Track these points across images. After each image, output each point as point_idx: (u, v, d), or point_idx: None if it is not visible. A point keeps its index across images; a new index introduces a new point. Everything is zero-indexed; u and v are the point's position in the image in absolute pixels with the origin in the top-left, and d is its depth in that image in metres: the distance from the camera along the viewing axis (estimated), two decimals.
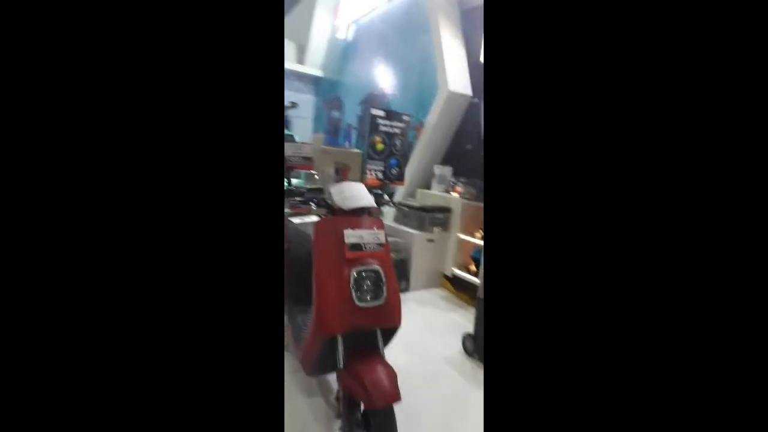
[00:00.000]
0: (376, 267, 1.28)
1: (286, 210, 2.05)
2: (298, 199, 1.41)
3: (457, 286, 3.09)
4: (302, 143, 2.06)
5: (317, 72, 6.84)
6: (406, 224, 3.27)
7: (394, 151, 3.63)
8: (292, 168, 1.74)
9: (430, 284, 3.20)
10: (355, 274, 1.24)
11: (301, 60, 6.81)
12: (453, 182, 3.54)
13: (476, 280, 2.72)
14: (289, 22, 7.55)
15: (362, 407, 1.22)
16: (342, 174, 1.53)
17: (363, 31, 5.73)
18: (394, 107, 4.60)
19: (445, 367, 1.97)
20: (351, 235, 1.28)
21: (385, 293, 1.26)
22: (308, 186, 1.40)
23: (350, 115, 5.97)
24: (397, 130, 3.62)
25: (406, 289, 3.05)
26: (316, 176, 2.30)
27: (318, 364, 1.37)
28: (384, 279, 1.28)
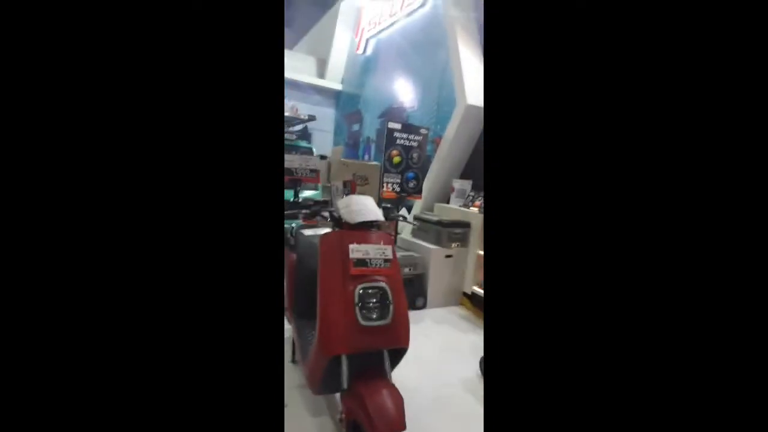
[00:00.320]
0: (383, 284, 1.22)
1: (299, 222, 2.04)
2: (305, 211, 1.38)
3: (477, 304, 2.97)
4: (311, 156, 2.06)
5: (337, 86, 6.96)
6: (423, 239, 3.19)
7: (411, 164, 3.60)
8: (299, 180, 1.72)
9: (448, 302, 3.09)
10: (360, 290, 1.19)
11: (321, 74, 6.96)
12: (472, 196, 3.45)
13: None
14: (311, 37, 7.78)
15: None
16: (350, 187, 1.49)
17: (382, 46, 5.80)
18: (413, 121, 4.59)
19: (461, 391, 1.86)
20: (356, 250, 1.23)
21: (391, 312, 1.20)
22: (315, 198, 1.36)
23: (370, 128, 6.01)
24: (414, 143, 3.59)
25: (423, 307, 2.96)
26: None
27: (323, 383, 1.31)
28: (391, 297, 1.21)
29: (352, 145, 6.48)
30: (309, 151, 3.66)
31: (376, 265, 1.26)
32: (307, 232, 1.97)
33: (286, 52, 6.75)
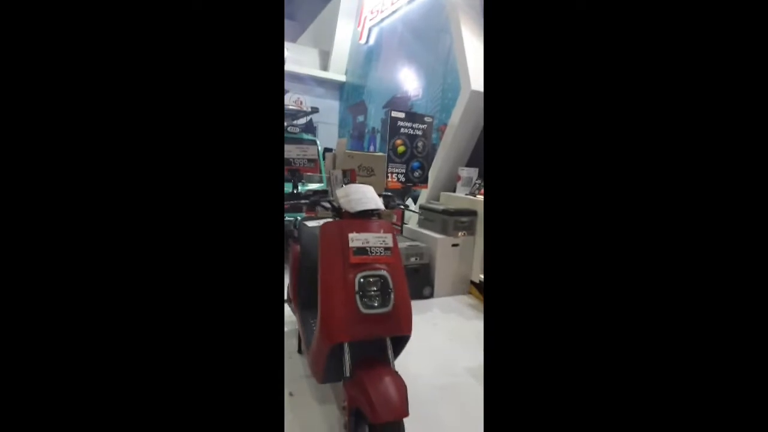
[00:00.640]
0: (383, 272, 1.21)
1: (303, 214, 2.04)
2: (304, 201, 1.38)
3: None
4: (309, 145, 2.04)
5: (341, 77, 6.91)
6: (429, 228, 3.17)
7: (416, 154, 3.56)
8: (297, 170, 1.71)
9: (456, 291, 3.08)
10: (360, 279, 1.18)
11: (325, 66, 6.91)
12: (479, 184, 3.40)
13: None
14: (314, 29, 7.72)
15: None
16: (350, 177, 1.48)
17: (385, 34, 5.72)
18: (418, 109, 4.54)
19: (467, 379, 1.86)
20: (356, 239, 1.22)
21: (392, 300, 1.19)
22: (315, 188, 1.35)
23: (375, 119, 5.97)
24: (418, 132, 3.55)
25: (431, 296, 2.95)
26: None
27: (326, 371, 1.31)
28: (392, 285, 1.20)
29: (357, 137, 6.46)
30: (313, 143, 3.65)
31: (376, 253, 1.24)
32: (311, 223, 1.97)
33: (290, 45, 6.72)
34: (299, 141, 3.11)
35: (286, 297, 2.10)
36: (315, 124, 6.67)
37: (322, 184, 3.33)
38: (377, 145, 5.87)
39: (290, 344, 2.05)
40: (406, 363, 1.77)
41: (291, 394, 1.62)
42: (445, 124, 3.89)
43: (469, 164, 3.74)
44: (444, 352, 2.13)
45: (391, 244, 1.28)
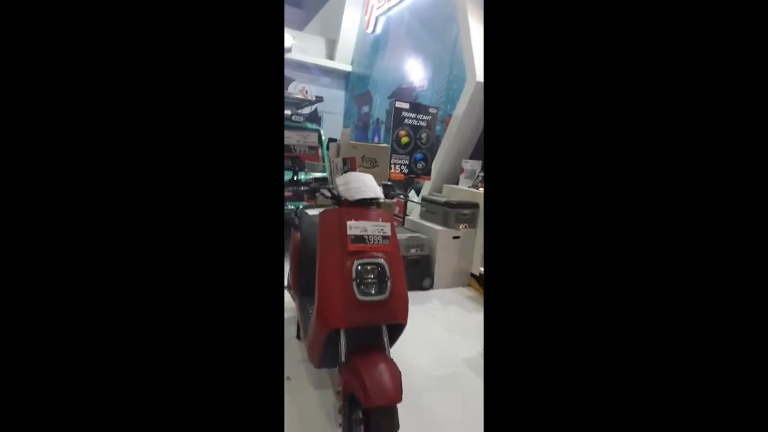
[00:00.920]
0: (380, 260, 1.22)
1: (304, 202, 2.05)
2: (303, 188, 1.38)
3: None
4: (310, 132, 2.03)
5: (347, 67, 6.86)
6: (431, 220, 3.17)
7: (420, 145, 3.54)
8: (297, 157, 1.71)
9: (456, 283, 3.09)
10: (357, 266, 1.19)
11: (331, 55, 6.86)
12: (481, 177, 3.38)
13: None
14: (321, 17, 7.64)
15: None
16: (351, 165, 1.48)
17: (392, 24, 5.65)
18: (423, 100, 4.50)
19: (464, 369, 1.87)
20: (354, 227, 1.23)
21: (389, 288, 1.20)
22: (314, 176, 1.35)
23: (380, 110, 5.93)
24: (423, 123, 3.52)
25: (430, 288, 2.96)
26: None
27: (322, 357, 1.33)
28: (389, 273, 1.21)
29: (362, 128, 6.43)
30: (317, 133, 3.63)
31: (374, 241, 1.25)
32: (312, 211, 1.98)
33: (296, 33, 6.66)
34: (301, 129, 3.11)
35: (286, 284, 2.12)
36: (320, 114, 6.64)
37: (325, 174, 3.33)
38: (381, 136, 5.84)
39: (289, 330, 2.08)
40: (403, 352, 1.78)
41: (288, 378, 1.64)
42: (450, 116, 3.85)
43: (473, 156, 3.72)
44: (442, 343, 2.15)
45: (389, 232, 1.28)
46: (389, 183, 1.53)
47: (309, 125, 3.41)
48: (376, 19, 5.91)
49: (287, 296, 2.19)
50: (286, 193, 2.52)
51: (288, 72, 6.41)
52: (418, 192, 4.06)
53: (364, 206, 1.32)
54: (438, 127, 3.82)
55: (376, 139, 5.95)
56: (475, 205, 3.04)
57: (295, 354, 1.84)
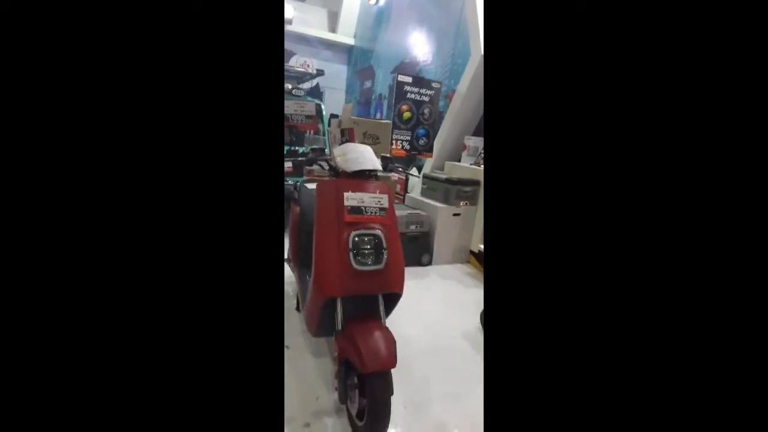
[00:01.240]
0: (377, 231, 1.22)
1: (304, 177, 2.04)
2: (300, 159, 1.37)
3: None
4: (305, 101, 2.00)
5: (350, 40, 6.68)
6: (432, 197, 3.16)
7: (422, 121, 3.48)
8: (294, 127, 1.69)
9: (455, 259, 3.11)
10: (354, 237, 1.20)
11: (333, 28, 6.66)
12: (483, 154, 3.35)
13: None
14: None
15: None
16: (349, 136, 1.46)
17: None
18: (426, 75, 4.40)
19: (459, 341, 1.92)
20: (351, 198, 1.23)
21: (385, 258, 1.21)
22: (312, 147, 1.34)
23: (382, 85, 5.82)
24: (425, 98, 3.45)
25: (429, 264, 2.99)
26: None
27: (319, 325, 1.36)
28: (385, 244, 1.22)
29: (364, 103, 6.32)
30: (318, 108, 3.57)
31: (371, 213, 1.25)
32: (311, 185, 1.97)
33: (297, 4, 6.46)
34: (298, 98, 3.05)
35: (285, 257, 2.15)
36: (321, 90, 6.52)
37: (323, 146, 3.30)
38: (384, 112, 5.75)
39: (289, 303, 2.11)
40: (399, 323, 1.82)
41: (288, 347, 1.69)
42: (454, 91, 3.77)
43: (476, 133, 3.67)
44: (439, 316, 2.18)
45: (386, 204, 1.28)
46: (389, 155, 1.51)
47: (309, 99, 3.36)
48: None
49: (287, 269, 2.22)
50: (286, 168, 2.51)
51: (288, 45, 6.25)
52: (419, 169, 4.03)
53: (361, 178, 1.31)
54: (441, 103, 3.75)
55: (378, 115, 5.86)
56: (477, 183, 3.03)
57: (294, 325, 1.88)
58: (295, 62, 5.62)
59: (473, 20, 3.40)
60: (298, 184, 2.11)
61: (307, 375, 1.53)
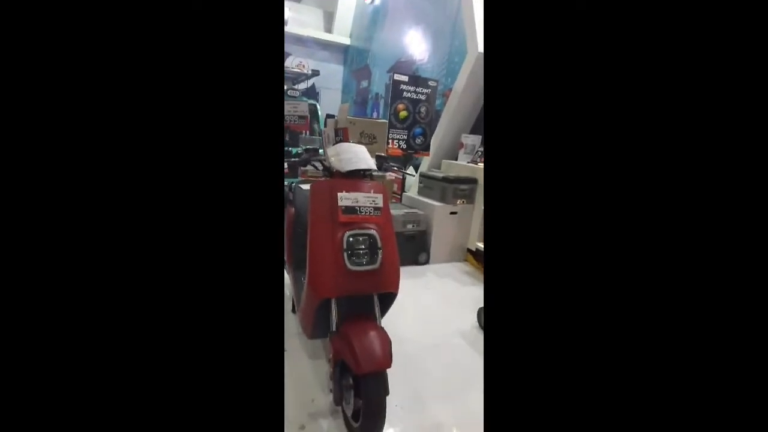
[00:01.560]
0: (372, 231, 1.21)
1: (299, 178, 2.04)
2: (294, 160, 1.36)
3: (481, 260, 2.97)
4: (300, 102, 1.99)
5: (345, 40, 6.66)
6: (429, 196, 3.16)
7: (419, 119, 3.47)
8: (288, 128, 1.68)
9: (453, 258, 3.10)
10: (349, 237, 1.19)
11: (329, 28, 6.65)
12: (481, 152, 3.34)
13: None
14: None
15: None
16: (343, 135, 1.45)
17: None
18: (423, 74, 4.39)
19: (456, 339, 1.91)
20: (345, 198, 1.22)
21: (380, 258, 1.20)
22: (306, 147, 1.33)
23: (379, 84, 5.81)
24: (422, 97, 3.44)
25: (426, 263, 2.98)
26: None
27: (314, 327, 1.35)
28: (380, 244, 1.21)
29: (361, 103, 6.31)
30: (314, 108, 3.56)
31: (365, 213, 1.24)
32: (305, 186, 1.96)
33: (292, 5, 6.44)
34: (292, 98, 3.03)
35: None
36: (317, 90, 6.50)
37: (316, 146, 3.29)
38: (381, 112, 5.74)
39: (285, 304, 2.10)
40: (396, 322, 1.81)
41: (284, 350, 1.68)
42: (450, 89, 3.76)
43: (473, 131, 3.66)
44: (435, 315, 2.18)
45: (381, 204, 1.27)
46: (383, 154, 1.50)
47: (305, 100, 3.35)
48: None
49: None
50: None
51: (285, 46, 6.23)
52: (416, 168, 4.02)
53: (356, 177, 1.30)
54: (438, 101, 3.74)
55: (375, 115, 5.85)
56: (474, 181, 3.02)
57: (290, 327, 1.87)
58: (290, 63, 5.60)
59: (469, 18, 3.39)
60: (293, 185, 2.10)
61: (302, 377, 1.52)
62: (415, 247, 2.93)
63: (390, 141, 3.34)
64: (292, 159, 1.39)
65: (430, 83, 3.49)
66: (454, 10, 4.06)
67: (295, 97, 3.23)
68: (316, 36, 6.49)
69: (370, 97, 6.06)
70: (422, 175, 3.34)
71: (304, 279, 1.65)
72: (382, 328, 1.20)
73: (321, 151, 1.49)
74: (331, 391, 1.24)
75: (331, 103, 6.51)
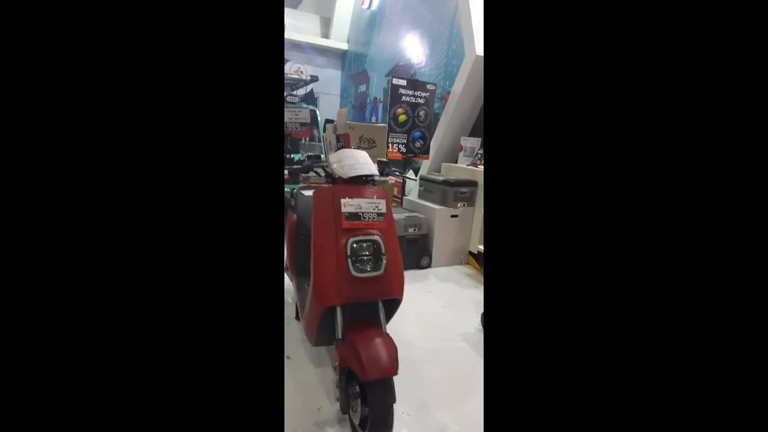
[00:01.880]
0: (375, 237, 1.21)
1: (301, 184, 2.04)
2: (296, 167, 1.36)
3: (483, 262, 2.97)
4: (300, 108, 1.99)
5: (343, 45, 6.69)
6: (429, 199, 3.15)
7: (418, 123, 3.48)
8: (289, 135, 1.68)
9: (454, 261, 3.10)
10: (353, 244, 1.18)
11: (326, 34, 6.68)
12: (480, 154, 3.34)
13: None
14: None
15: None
16: (344, 141, 1.45)
17: None
18: (421, 78, 4.41)
19: (460, 344, 1.90)
20: (348, 204, 1.22)
21: (384, 264, 1.20)
22: (308, 154, 1.33)
23: (377, 88, 5.82)
24: (421, 100, 3.45)
25: (428, 266, 2.97)
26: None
27: (319, 334, 1.35)
28: (384, 250, 1.21)
29: (360, 107, 6.32)
30: (313, 114, 3.57)
31: (369, 218, 1.24)
32: (307, 192, 1.96)
33: (290, 12, 6.47)
34: (293, 105, 3.04)
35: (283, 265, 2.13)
36: (316, 95, 6.52)
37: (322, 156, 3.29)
38: (379, 116, 5.75)
39: (288, 311, 2.10)
40: (399, 327, 1.81)
41: (288, 357, 1.67)
42: (449, 93, 3.77)
43: (472, 134, 3.67)
44: (438, 318, 2.17)
45: (384, 209, 1.27)
46: (385, 160, 1.50)
47: (304, 106, 3.35)
48: None
49: (285, 278, 2.20)
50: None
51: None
52: (416, 171, 4.02)
53: (358, 183, 1.30)
54: (437, 105, 3.75)
55: (374, 119, 5.86)
56: (474, 183, 3.02)
57: (294, 334, 1.87)
58: (288, 69, 5.63)
59: (467, 21, 3.40)
60: (295, 191, 2.10)
61: (308, 385, 1.51)
62: (417, 251, 2.93)
63: (389, 145, 3.34)
64: (294, 165, 1.39)
65: (429, 86, 3.50)
66: (450, 14, 4.08)
67: (294, 103, 3.24)
68: (313, 42, 6.52)
69: (368, 101, 6.08)
70: (422, 179, 3.34)
71: (307, 286, 1.65)
72: (388, 335, 1.19)
73: (323, 157, 1.49)
74: (337, 399, 1.23)
75: (329, 108, 6.53)
